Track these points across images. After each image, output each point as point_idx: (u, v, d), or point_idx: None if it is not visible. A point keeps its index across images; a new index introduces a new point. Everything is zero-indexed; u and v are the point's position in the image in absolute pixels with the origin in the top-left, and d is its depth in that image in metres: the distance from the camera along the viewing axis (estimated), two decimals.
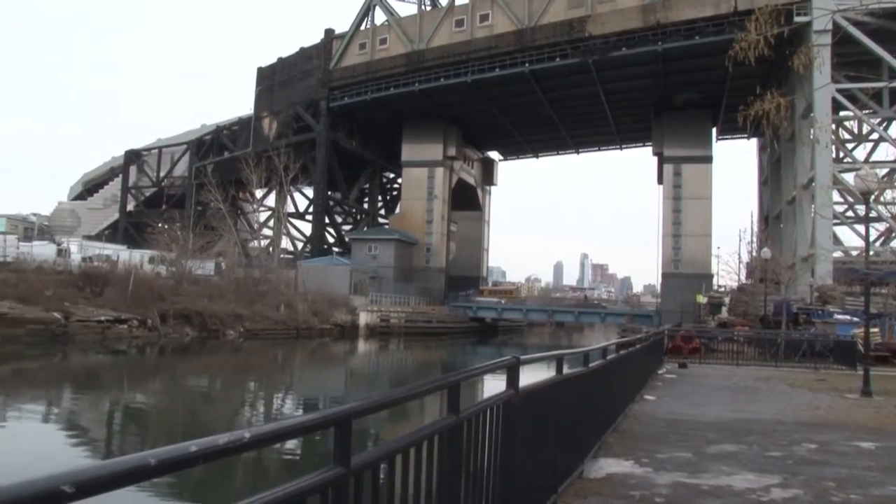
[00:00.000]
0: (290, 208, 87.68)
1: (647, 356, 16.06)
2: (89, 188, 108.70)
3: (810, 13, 47.53)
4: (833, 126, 54.42)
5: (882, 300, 36.07)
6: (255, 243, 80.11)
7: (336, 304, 60.23)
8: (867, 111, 54.89)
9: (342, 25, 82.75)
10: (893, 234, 56.83)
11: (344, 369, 42.40)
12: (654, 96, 73.45)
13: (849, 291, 40.51)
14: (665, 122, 74.22)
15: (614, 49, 64.41)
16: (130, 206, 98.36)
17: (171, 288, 48.05)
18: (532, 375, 5.31)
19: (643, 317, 71.45)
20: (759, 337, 29.37)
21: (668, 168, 74.38)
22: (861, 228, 48.65)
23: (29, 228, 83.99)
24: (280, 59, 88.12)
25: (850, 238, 56.42)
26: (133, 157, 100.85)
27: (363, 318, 62.41)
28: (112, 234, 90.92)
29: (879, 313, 31.34)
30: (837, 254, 50.85)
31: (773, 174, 69.84)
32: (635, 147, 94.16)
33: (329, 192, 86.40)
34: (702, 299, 54.01)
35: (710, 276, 68.75)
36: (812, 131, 49.35)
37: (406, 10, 79.34)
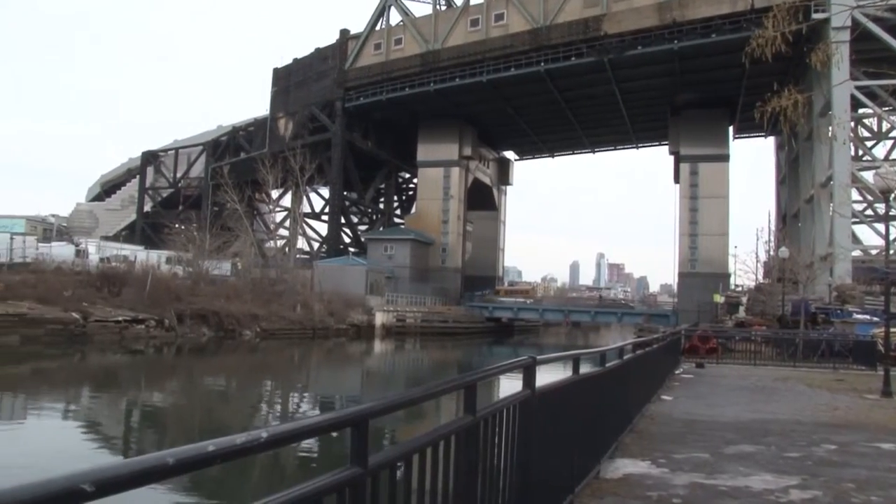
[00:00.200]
0: (306, 208, 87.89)
1: (663, 356, 15.97)
2: (107, 189, 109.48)
3: (829, 9, 47.02)
4: (852, 123, 53.91)
5: None
6: (272, 244, 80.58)
7: (352, 305, 60.40)
8: (887, 108, 54.27)
9: (357, 26, 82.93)
10: None
11: (360, 369, 42.50)
12: (670, 95, 73.09)
13: (868, 291, 40.10)
14: (681, 121, 73.83)
15: (630, 48, 64.16)
16: (147, 207, 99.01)
17: (188, 288, 48.33)
18: (548, 375, 5.29)
19: (660, 316, 71.14)
20: (777, 337, 29.12)
21: (685, 167, 73.97)
22: (881, 227, 48.19)
23: (48, 229, 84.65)
24: (295, 60, 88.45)
25: (870, 237, 55.85)
26: (150, 158, 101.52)
27: (379, 319, 62.53)
28: (129, 234, 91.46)
29: None
30: (856, 253, 50.38)
31: (790, 173, 69.29)
32: (651, 146, 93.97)
33: (345, 193, 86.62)
34: (719, 299, 53.72)
35: (728, 276, 68.27)
36: (830, 129, 48.92)
37: (421, 10, 79.63)
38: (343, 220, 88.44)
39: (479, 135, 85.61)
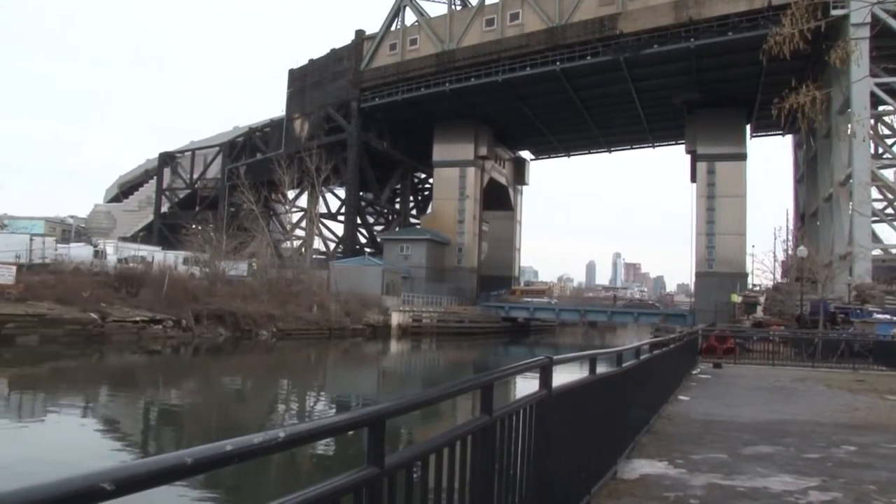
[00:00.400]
0: (322, 209, 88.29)
1: (680, 356, 15.89)
2: (124, 190, 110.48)
3: (848, 6, 46.62)
4: (871, 121, 53.39)
5: None
6: (288, 244, 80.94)
7: (368, 305, 60.50)
8: None
9: (373, 26, 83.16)
10: None
11: (376, 369, 42.54)
12: (687, 93, 72.65)
13: (888, 290, 39.78)
14: (698, 120, 73.36)
15: (646, 46, 63.90)
16: (165, 208, 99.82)
17: (205, 289, 48.59)
18: (565, 375, 5.28)
19: (677, 316, 70.75)
20: (796, 337, 28.86)
21: (702, 166, 73.52)
22: None
23: (66, 230, 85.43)
24: (311, 61, 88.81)
25: (890, 235, 55.31)
26: (167, 159, 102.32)
27: (395, 319, 62.58)
28: (147, 235, 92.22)
29: None
30: (876, 252, 49.93)
31: (808, 171, 68.72)
32: (668, 145, 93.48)
33: (361, 193, 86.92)
34: (736, 298, 53.36)
35: (745, 275, 67.81)
36: (849, 126, 48.48)
37: (436, 10, 79.68)
38: (359, 221, 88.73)
39: (494, 134, 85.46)
